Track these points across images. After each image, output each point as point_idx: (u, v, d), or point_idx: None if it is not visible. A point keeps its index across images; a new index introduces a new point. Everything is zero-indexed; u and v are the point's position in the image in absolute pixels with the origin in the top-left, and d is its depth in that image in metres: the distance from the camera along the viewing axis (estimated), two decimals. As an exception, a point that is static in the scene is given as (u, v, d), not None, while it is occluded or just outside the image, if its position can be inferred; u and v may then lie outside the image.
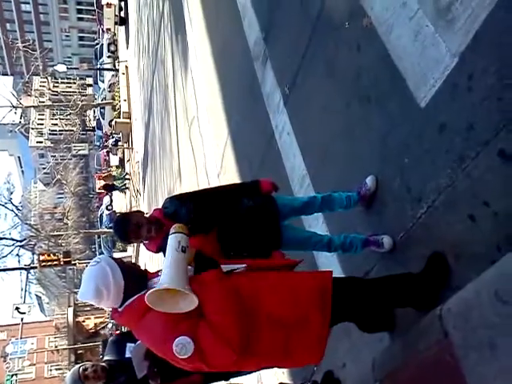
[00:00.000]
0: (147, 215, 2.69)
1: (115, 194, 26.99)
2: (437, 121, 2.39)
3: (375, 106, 2.98)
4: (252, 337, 1.88)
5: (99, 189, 24.00)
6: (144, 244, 2.71)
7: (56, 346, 29.71)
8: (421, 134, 2.52)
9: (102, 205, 29.99)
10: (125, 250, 26.09)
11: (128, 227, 2.52)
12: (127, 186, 22.52)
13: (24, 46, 30.50)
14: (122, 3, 25.13)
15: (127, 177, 22.65)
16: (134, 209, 19.39)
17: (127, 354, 3.28)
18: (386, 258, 2.83)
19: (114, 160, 28.66)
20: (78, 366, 3.22)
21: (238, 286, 1.93)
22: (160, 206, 2.78)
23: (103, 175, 23.68)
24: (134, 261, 20.45)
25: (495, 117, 2.05)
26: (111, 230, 25.35)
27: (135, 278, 1.90)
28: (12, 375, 21.74)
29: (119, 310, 1.89)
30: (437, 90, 2.39)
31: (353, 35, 3.22)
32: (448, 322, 2.03)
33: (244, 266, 2.11)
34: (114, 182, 21.76)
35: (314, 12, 3.73)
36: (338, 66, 3.46)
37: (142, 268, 2.14)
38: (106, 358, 3.39)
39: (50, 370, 31.31)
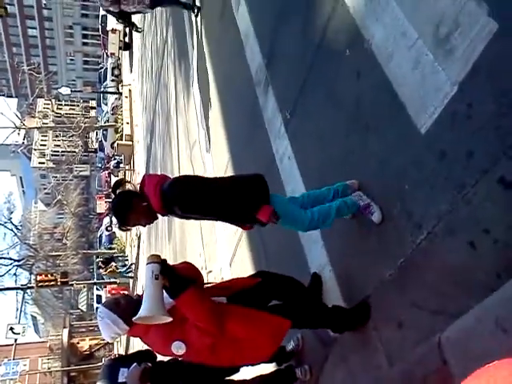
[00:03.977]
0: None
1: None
2: (437, 148, 2.41)
3: (374, 132, 3.00)
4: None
5: (103, 272, 23.03)
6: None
7: (49, 368, 29.17)
8: (421, 160, 2.54)
9: (101, 225, 29.95)
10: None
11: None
12: (131, 274, 22.02)
13: (29, 69, 30.97)
14: (127, 29, 25.56)
15: (130, 263, 22.22)
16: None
17: (120, 380, 3.25)
18: (385, 282, 2.81)
19: (115, 182, 28.68)
20: None
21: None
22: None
23: (107, 271, 22.57)
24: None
25: (494, 144, 2.07)
26: (110, 251, 25.30)
27: (131, 309, 2.53)
28: (3, 397, 21.23)
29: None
30: (437, 118, 2.42)
31: (353, 63, 3.27)
32: (447, 350, 2.01)
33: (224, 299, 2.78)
34: (121, 270, 21.41)
35: (316, 40, 3.79)
36: (338, 93, 3.50)
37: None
38: (99, 382, 3.35)
39: (42, 393, 30.69)
